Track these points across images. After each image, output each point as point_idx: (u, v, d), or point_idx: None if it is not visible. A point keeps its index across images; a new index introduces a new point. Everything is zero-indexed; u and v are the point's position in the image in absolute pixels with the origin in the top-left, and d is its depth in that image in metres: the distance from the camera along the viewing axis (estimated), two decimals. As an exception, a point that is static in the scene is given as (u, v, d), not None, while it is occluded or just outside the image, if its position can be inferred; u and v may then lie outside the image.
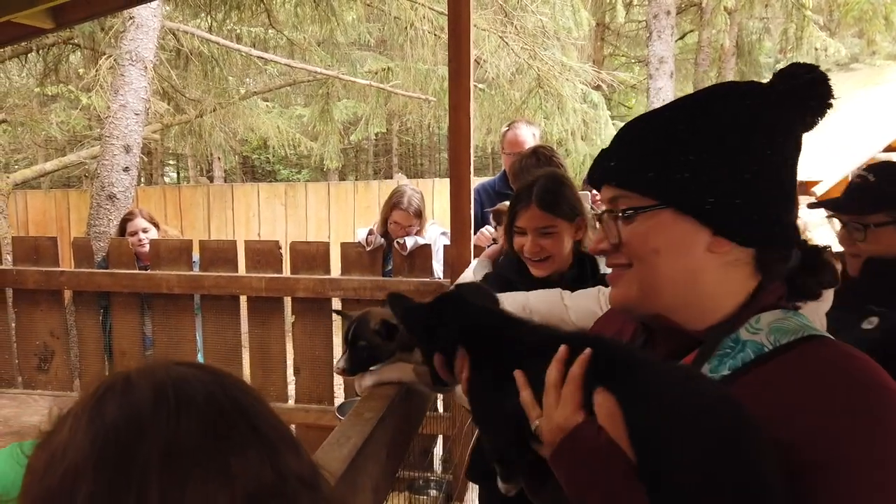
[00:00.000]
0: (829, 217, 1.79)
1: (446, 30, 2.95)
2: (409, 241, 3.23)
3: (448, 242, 3.19)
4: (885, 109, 9.78)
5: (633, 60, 18.65)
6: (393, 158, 20.91)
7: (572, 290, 1.65)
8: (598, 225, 0.89)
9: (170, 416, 0.54)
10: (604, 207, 0.87)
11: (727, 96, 0.83)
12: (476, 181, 3.42)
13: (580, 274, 1.80)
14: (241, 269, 3.42)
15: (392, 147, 21.77)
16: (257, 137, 10.59)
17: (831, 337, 0.78)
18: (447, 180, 3.06)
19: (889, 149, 9.15)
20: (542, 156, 2.63)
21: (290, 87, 9.45)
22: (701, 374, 0.77)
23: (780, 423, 0.69)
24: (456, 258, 3.07)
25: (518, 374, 0.81)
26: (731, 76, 16.99)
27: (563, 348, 0.78)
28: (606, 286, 1.88)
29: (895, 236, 1.61)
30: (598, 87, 7.59)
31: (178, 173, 19.66)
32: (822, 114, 0.83)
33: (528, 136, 3.37)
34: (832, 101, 0.82)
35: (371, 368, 1.47)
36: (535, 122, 3.68)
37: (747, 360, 0.76)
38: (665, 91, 11.56)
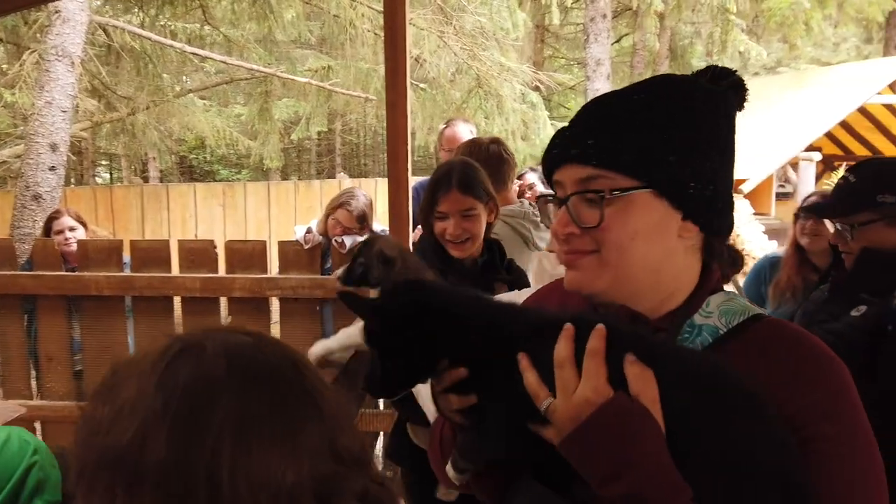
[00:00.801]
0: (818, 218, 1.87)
1: (383, 28, 2.96)
2: (349, 241, 3.23)
3: None
4: (807, 111, 10.28)
5: (572, 62, 19.02)
6: (336, 158, 20.72)
7: (483, 274, 1.74)
8: (554, 208, 0.86)
9: (243, 385, 0.54)
10: (569, 189, 0.82)
11: (694, 83, 0.84)
12: (415, 180, 3.44)
13: (490, 259, 1.89)
14: (175, 269, 3.34)
15: (335, 147, 21.55)
16: (194, 136, 10.33)
17: (766, 312, 0.84)
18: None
19: (810, 148, 9.62)
20: (482, 143, 2.60)
21: (229, 85, 9.25)
22: (707, 354, 0.79)
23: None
24: (394, 255, 3.08)
25: (522, 357, 0.75)
26: (665, 79, 17.45)
27: (569, 325, 0.74)
28: (512, 271, 1.95)
29: (882, 231, 1.67)
30: (536, 88, 7.72)
31: (110, 174, 18.94)
32: (740, 109, 0.87)
33: (466, 134, 3.40)
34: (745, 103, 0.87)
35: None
36: (472, 122, 3.72)
37: (706, 344, 0.79)
38: (602, 92, 11.83)
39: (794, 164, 9.50)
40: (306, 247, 3.24)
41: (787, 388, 0.75)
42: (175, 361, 0.55)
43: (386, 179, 2.91)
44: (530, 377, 0.74)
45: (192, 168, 19.80)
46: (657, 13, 11.54)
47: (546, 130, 7.11)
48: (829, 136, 11.46)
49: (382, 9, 6.05)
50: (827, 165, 11.78)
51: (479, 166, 1.96)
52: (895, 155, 11.43)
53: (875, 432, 1.63)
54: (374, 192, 7.89)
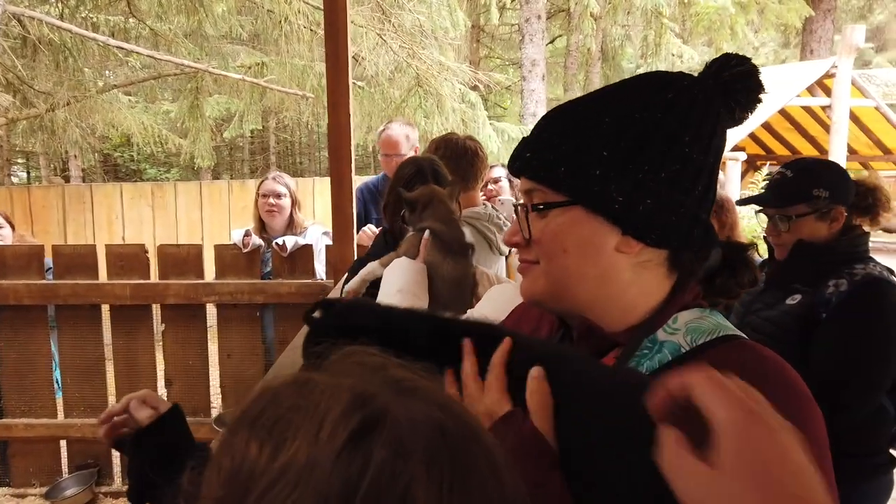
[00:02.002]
0: (756, 212, 1.95)
1: (323, 25, 2.88)
2: (290, 242, 3.13)
3: (330, 242, 3.12)
4: (731, 113, 10.71)
5: (507, 62, 19.25)
6: (270, 157, 20.27)
7: None
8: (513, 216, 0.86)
9: (441, 490, 0.43)
10: (522, 200, 0.84)
11: (657, 91, 0.79)
12: (358, 180, 3.37)
13: None
14: (103, 275, 3.16)
15: (269, 145, 21.08)
16: (119, 134, 9.86)
17: (745, 336, 0.79)
18: (328, 179, 2.99)
19: (736, 148, 10.03)
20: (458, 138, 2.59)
21: (156, 81, 8.86)
22: (627, 371, 0.76)
23: None
24: (338, 258, 3.01)
25: (448, 374, 0.76)
26: (597, 79, 17.96)
27: (467, 341, 0.74)
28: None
29: (815, 225, 1.78)
30: (475, 88, 7.73)
31: (28, 173, 17.92)
32: (750, 108, 0.81)
33: (402, 137, 3.31)
34: (762, 94, 0.81)
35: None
36: (413, 123, 3.66)
37: (664, 361, 0.76)
38: (538, 93, 12.02)
39: (722, 164, 9.88)
40: (245, 250, 3.12)
41: None
42: (360, 438, 0.44)
43: (323, 178, 2.86)
44: (448, 390, 0.76)
45: (117, 167, 18.95)
46: (592, 15, 11.79)
47: (485, 129, 7.13)
48: (752, 136, 12.01)
49: (320, 5, 5.93)
50: (750, 165, 12.33)
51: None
52: (812, 154, 12.08)
53: None
54: (312, 191, 7.73)
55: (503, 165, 4.04)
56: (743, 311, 1.93)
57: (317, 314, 0.77)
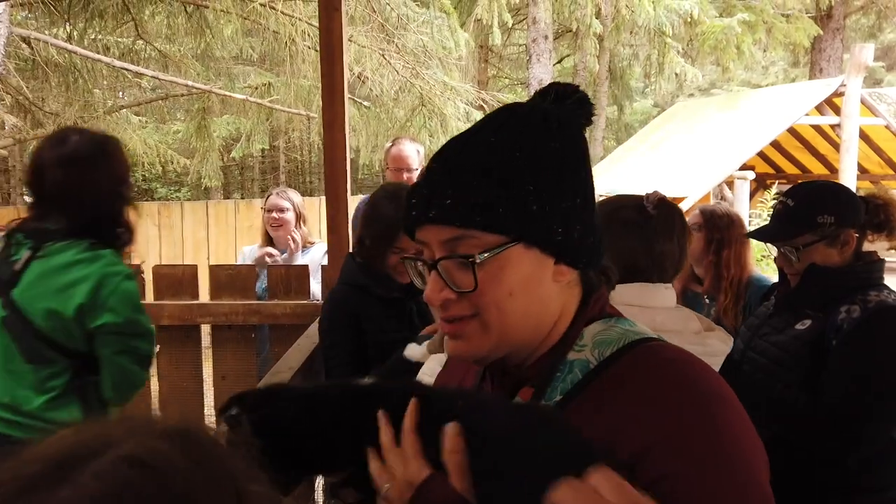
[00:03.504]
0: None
1: (319, 44, 2.88)
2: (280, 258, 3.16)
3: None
4: (740, 132, 10.68)
5: (515, 82, 19.35)
6: (280, 176, 20.40)
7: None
8: (426, 272, 0.79)
9: None
10: (436, 251, 0.77)
11: (543, 121, 0.79)
12: (355, 199, 3.36)
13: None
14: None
15: (279, 164, 21.24)
16: (131, 155, 9.96)
17: (654, 336, 0.79)
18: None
19: (744, 167, 9.97)
20: None
21: (165, 102, 8.97)
22: (536, 408, 0.75)
23: (622, 443, 0.68)
24: (333, 279, 2.97)
25: (371, 451, 0.75)
26: (604, 99, 18.00)
27: (381, 413, 0.74)
28: None
29: (825, 251, 1.73)
30: (480, 108, 7.76)
31: (40, 193, 18.10)
32: (588, 125, 0.85)
33: (413, 153, 3.36)
34: (594, 116, 0.84)
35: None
36: (418, 141, 3.69)
37: (576, 381, 0.75)
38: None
39: (730, 183, 9.83)
40: (273, 260, 3.18)
41: (639, 424, 0.69)
42: (49, 484, 0.39)
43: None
44: (372, 465, 0.74)
45: (128, 187, 19.11)
46: (596, 35, 11.84)
47: (490, 149, 7.15)
48: (762, 155, 11.93)
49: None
50: (760, 184, 12.24)
51: None
52: (822, 173, 11.99)
53: (818, 443, 1.61)
54: (319, 211, 7.73)
55: None
56: (749, 335, 1.88)
57: (233, 411, 0.76)
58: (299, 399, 0.79)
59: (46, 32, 6.83)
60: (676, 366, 0.75)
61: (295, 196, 3.46)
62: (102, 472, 0.40)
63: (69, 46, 5.72)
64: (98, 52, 6.92)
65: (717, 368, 1.39)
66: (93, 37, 7.03)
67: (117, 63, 5.60)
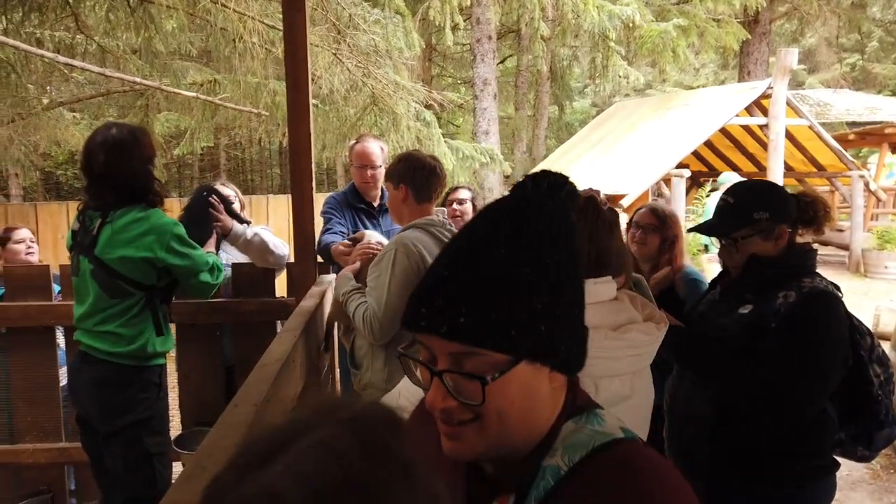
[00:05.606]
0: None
1: (279, 44, 2.91)
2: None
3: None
4: (675, 131, 11.13)
5: (459, 81, 19.51)
6: (221, 174, 19.99)
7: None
8: (424, 373, 0.79)
9: None
10: (440, 359, 0.77)
11: (547, 230, 0.79)
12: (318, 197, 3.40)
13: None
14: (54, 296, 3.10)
15: (220, 162, 20.79)
16: (63, 152, 9.59)
17: (621, 436, 0.79)
18: (282, 196, 3.03)
19: (680, 165, 10.40)
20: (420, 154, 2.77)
21: (103, 98, 8.67)
22: None
23: None
24: (300, 276, 3.02)
25: None
26: (546, 99, 18.37)
27: None
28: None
29: (761, 244, 1.91)
30: (429, 107, 7.84)
31: (-37, 192, 17.20)
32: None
33: (377, 150, 3.44)
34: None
35: None
36: (382, 139, 3.77)
37: (548, 488, 0.76)
38: (490, 111, 12.24)
39: (667, 180, 10.22)
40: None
41: None
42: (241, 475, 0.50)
43: (276, 196, 2.89)
44: None
45: (60, 185, 18.37)
46: (542, 38, 12.10)
47: (440, 147, 7.22)
48: (696, 154, 12.47)
49: (275, 24, 5.94)
50: (694, 181, 12.80)
51: None
52: (752, 171, 12.62)
53: (756, 412, 1.74)
54: (265, 209, 7.67)
55: (469, 188, 4.20)
56: (698, 320, 2.07)
57: None
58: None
59: (-22, 25, 6.53)
60: (641, 477, 0.74)
61: (236, 189, 3.58)
62: (295, 459, 0.50)
63: (5, 39, 5.50)
64: (32, 46, 6.66)
65: (641, 360, 1.53)
66: (28, 30, 6.77)
67: (60, 59, 5.42)
